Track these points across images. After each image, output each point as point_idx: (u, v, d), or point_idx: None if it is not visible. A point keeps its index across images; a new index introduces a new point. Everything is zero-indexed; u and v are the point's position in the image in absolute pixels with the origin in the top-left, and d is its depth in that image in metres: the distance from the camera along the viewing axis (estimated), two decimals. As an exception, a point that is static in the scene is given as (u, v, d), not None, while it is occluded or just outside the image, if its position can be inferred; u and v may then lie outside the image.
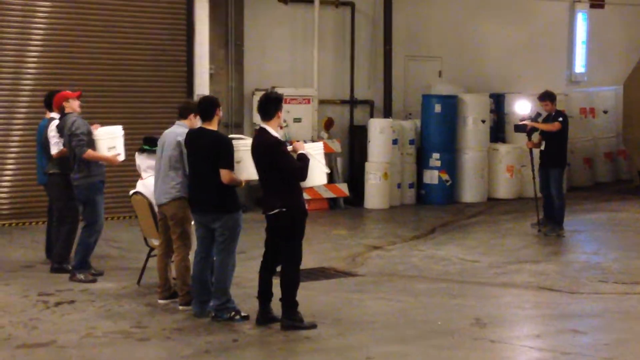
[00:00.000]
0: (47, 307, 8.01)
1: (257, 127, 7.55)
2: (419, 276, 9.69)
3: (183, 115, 8.10)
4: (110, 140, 9.07)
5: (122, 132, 9.27)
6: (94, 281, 8.91)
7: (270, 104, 7.40)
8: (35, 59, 12.86)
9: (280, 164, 7.22)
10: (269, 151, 7.24)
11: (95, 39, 13.27)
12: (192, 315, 7.73)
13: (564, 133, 12.03)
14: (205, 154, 7.50)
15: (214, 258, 7.74)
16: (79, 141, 8.89)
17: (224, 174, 7.43)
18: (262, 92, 13.97)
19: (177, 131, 7.95)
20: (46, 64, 12.92)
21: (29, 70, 12.84)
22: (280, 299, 7.40)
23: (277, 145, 7.25)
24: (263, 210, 7.46)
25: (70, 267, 9.15)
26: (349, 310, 8.15)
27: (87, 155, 8.92)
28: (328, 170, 7.80)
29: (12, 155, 12.67)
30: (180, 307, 7.94)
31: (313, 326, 7.43)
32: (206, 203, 7.55)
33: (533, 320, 8.15)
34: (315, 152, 7.51)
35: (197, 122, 7.91)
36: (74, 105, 9.16)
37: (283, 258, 7.43)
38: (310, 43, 15.26)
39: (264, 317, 7.50)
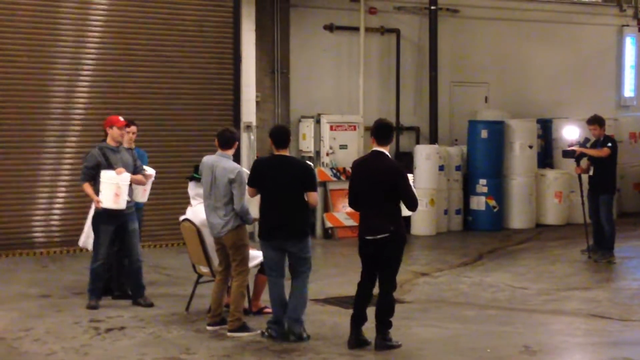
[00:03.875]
0: (97, 333, 8.10)
1: (372, 150, 7.64)
2: (467, 303, 9.62)
3: (228, 145, 8.14)
4: (109, 185, 8.81)
5: (127, 181, 8.92)
6: (94, 308, 8.91)
7: (388, 130, 7.67)
8: (85, 89, 13.10)
9: (403, 189, 7.42)
10: (393, 175, 7.45)
11: (144, 68, 13.48)
12: (275, 338, 7.76)
13: (613, 158, 11.89)
14: (291, 180, 7.70)
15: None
16: (81, 172, 9.08)
17: (314, 197, 7.79)
18: (307, 119, 14.02)
19: (230, 164, 8.02)
20: (96, 93, 13.14)
21: (79, 99, 13.08)
22: (377, 320, 7.53)
23: (402, 171, 7.54)
24: (368, 234, 7.50)
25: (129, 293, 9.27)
26: (397, 337, 8.09)
27: (83, 188, 9.06)
28: None
29: (64, 182, 12.89)
30: (229, 334, 7.98)
31: (399, 345, 7.61)
32: (289, 227, 7.72)
33: (584, 348, 8.04)
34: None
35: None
36: (114, 134, 9.04)
37: (384, 282, 7.56)
38: (356, 70, 15.34)
39: (357, 341, 7.56)
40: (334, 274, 11.13)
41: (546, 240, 14.15)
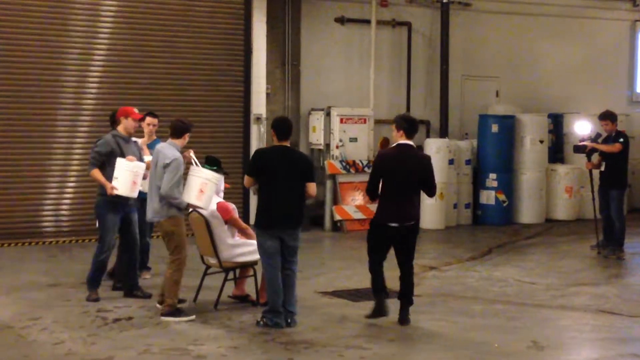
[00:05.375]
0: (105, 323, 8.12)
1: (399, 143, 8.14)
2: (475, 297, 9.60)
3: (177, 135, 8.36)
4: (129, 173, 8.72)
5: (143, 169, 8.84)
6: (96, 300, 8.88)
7: (416, 124, 8.26)
8: (96, 80, 13.13)
9: (431, 179, 8.07)
10: (426, 165, 8.08)
11: (155, 59, 13.50)
12: (270, 327, 7.85)
13: (624, 154, 11.84)
14: (291, 170, 7.89)
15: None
16: (91, 158, 8.95)
17: (313, 188, 7.99)
18: (317, 111, 14.07)
19: (171, 151, 8.22)
20: (107, 84, 13.18)
21: (90, 90, 13.11)
22: (404, 297, 8.16)
23: (430, 161, 8.16)
24: (395, 221, 7.98)
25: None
26: (404, 330, 8.11)
27: (91, 174, 8.94)
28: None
29: (73, 173, 12.92)
30: (162, 318, 8.19)
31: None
32: (291, 217, 7.95)
33: (592, 343, 8.00)
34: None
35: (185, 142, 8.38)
36: (128, 125, 8.97)
37: (407, 263, 8.20)
38: (367, 63, 15.30)
39: (382, 310, 8.20)
40: (343, 267, 11.12)
41: (556, 236, 14.11)
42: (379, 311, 8.23)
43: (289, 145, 8.06)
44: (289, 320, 7.98)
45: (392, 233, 8.04)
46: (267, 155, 8.09)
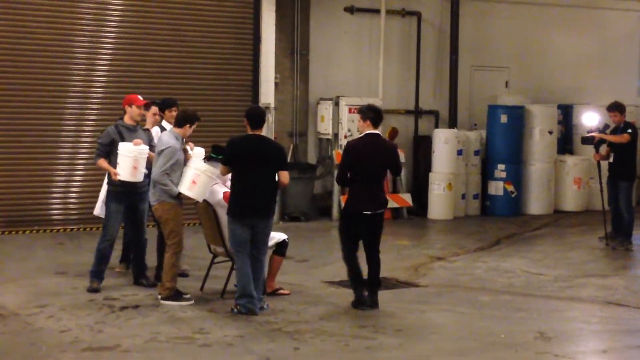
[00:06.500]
0: (112, 311, 8.14)
1: (367, 133, 8.32)
2: (482, 288, 9.59)
3: (179, 124, 8.48)
4: (127, 157, 8.68)
5: (145, 153, 8.78)
6: (95, 291, 8.84)
7: (381, 114, 8.49)
8: (104, 68, 13.12)
9: (398, 164, 8.56)
10: (393, 153, 8.45)
11: (163, 48, 13.48)
12: (244, 313, 7.94)
13: (633, 145, 11.79)
14: (265, 159, 8.00)
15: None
16: (96, 149, 9.04)
17: (285, 176, 8.07)
18: (326, 101, 14.09)
19: (168, 139, 8.37)
20: (115, 72, 13.16)
21: (98, 78, 13.11)
22: (373, 282, 8.34)
23: (397, 149, 8.64)
24: (374, 208, 8.21)
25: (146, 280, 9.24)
26: (411, 321, 8.11)
27: (97, 164, 9.03)
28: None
29: (82, 161, 12.94)
30: (161, 302, 8.33)
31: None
32: (263, 206, 8.04)
33: (599, 335, 7.99)
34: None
35: (188, 132, 8.50)
36: (133, 113, 8.97)
37: (375, 248, 8.35)
38: (376, 52, 15.26)
39: (364, 301, 8.30)
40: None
41: (564, 227, 14.07)
42: (362, 302, 8.32)
43: (262, 134, 8.17)
44: (262, 306, 8.12)
45: (365, 221, 8.24)
46: (240, 144, 8.16)
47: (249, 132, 8.13)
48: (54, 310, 8.12)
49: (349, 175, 8.29)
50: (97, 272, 8.99)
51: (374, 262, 8.37)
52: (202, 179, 8.32)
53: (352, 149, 8.30)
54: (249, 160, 7.99)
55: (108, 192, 9.03)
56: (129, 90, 12.15)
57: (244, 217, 8.00)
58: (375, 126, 8.32)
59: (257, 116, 8.16)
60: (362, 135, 8.39)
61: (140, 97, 9.15)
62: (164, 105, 9.56)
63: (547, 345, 7.39)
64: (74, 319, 7.81)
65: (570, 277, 10.19)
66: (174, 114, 9.11)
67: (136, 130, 9.03)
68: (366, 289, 8.37)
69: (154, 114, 9.71)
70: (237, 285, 8.10)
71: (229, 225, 8.13)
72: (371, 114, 8.32)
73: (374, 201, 8.24)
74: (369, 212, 8.22)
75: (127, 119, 9.02)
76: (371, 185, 8.25)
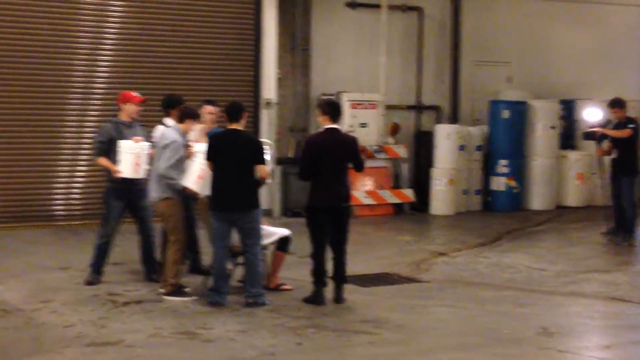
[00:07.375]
0: (115, 306, 8.15)
1: (327, 127, 8.35)
2: (484, 284, 9.59)
3: (181, 119, 8.59)
4: (129, 155, 8.72)
5: (147, 150, 8.80)
6: (91, 283, 8.88)
7: (340, 108, 8.56)
8: (106, 64, 13.13)
9: (359, 158, 8.41)
10: (353, 146, 8.40)
11: (165, 43, 13.48)
12: (213, 305, 8.04)
13: (634, 140, 11.78)
14: (241, 153, 8.03)
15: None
16: (95, 147, 9.10)
17: (264, 170, 8.08)
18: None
19: (171, 134, 8.44)
20: (117, 69, 13.17)
21: (100, 75, 13.11)
22: (339, 277, 8.37)
23: (356, 142, 8.54)
24: (338, 202, 8.26)
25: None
26: (412, 316, 8.11)
27: (97, 162, 9.08)
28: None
29: (84, 156, 12.94)
30: (163, 297, 8.34)
31: None
32: (240, 200, 8.02)
33: (602, 330, 7.99)
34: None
35: (191, 127, 8.61)
36: (129, 110, 9.01)
37: (343, 243, 8.41)
38: (377, 48, 15.24)
39: (321, 298, 8.28)
40: (351, 252, 11.01)
41: (566, 222, 14.07)
42: (320, 299, 8.27)
43: (240, 128, 8.20)
44: (251, 301, 8.09)
45: (330, 215, 8.27)
46: (219, 138, 8.22)
47: (228, 126, 8.22)
48: (57, 305, 8.13)
49: (310, 170, 8.29)
50: (96, 266, 9.03)
51: (338, 258, 8.36)
52: (208, 174, 8.32)
53: (312, 144, 8.36)
54: (225, 154, 8.06)
55: (108, 189, 9.06)
56: (130, 86, 12.12)
57: (221, 211, 8.05)
58: (334, 121, 8.33)
59: (233, 110, 8.22)
60: (321, 130, 8.43)
61: (134, 94, 9.16)
62: (170, 104, 9.46)
63: (550, 341, 7.39)
64: (77, 314, 7.82)
65: (573, 272, 10.19)
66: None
67: (134, 127, 9.06)
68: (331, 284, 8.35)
69: (210, 113, 9.40)
70: (212, 277, 8.19)
71: (209, 219, 8.21)
72: (329, 108, 8.37)
73: (336, 195, 8.26)
74: (332, 206, 8.24)
75: (123, 116, 9.06)
76: (332, 180, 8.25)
